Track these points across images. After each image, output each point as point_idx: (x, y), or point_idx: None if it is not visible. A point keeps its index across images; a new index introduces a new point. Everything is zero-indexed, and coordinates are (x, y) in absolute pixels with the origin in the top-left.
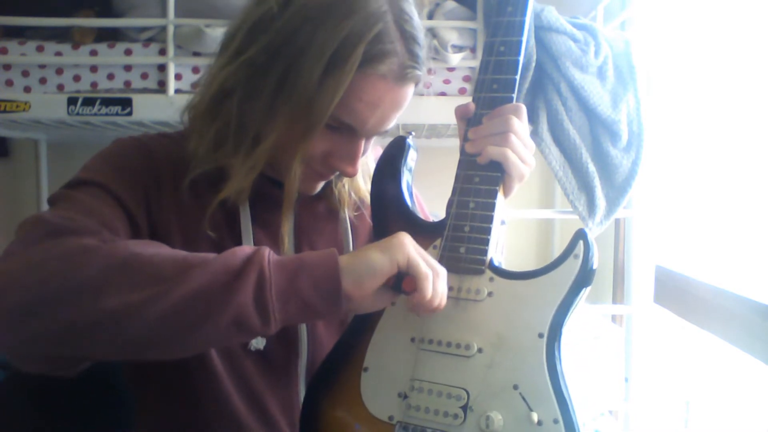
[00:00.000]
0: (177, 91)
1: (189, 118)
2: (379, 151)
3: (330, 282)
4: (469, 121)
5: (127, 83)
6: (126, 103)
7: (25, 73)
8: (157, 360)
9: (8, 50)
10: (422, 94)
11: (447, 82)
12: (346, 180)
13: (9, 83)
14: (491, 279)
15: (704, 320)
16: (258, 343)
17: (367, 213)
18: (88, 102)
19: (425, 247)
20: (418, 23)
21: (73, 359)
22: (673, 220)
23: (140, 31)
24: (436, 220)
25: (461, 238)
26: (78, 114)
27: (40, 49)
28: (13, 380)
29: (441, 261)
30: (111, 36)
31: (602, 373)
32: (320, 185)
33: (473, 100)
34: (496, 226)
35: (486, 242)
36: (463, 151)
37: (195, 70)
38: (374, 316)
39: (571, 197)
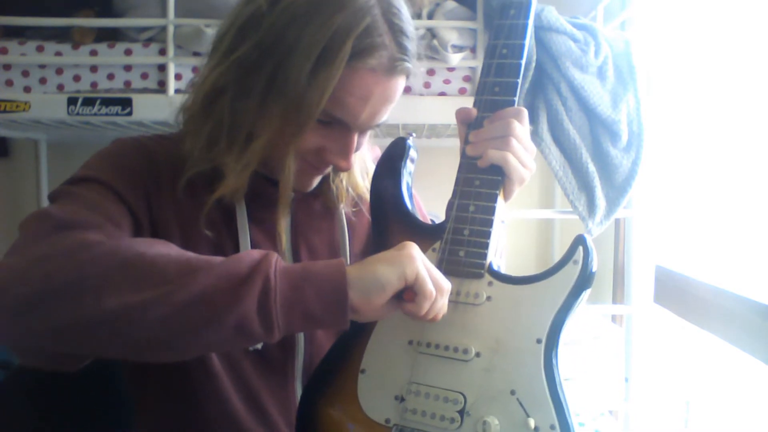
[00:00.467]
0: (177, 91)
1: (184, 120)
2: (378, 152)
3: (337, 294)
4: (470, 124)
5: (127, 83)
6: (126, 103)
7: (25, 73)
8: (157, 361)
9: (8, 50)
10: (422, 94)
11: (447, 82)
12: (343, 176)
13: (9, 83)
14: (490, 283)
15: (704, 320)
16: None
17: (365, 209)
18: (88, 102)
19: (424, 249)
20: (407, 16)
21: (73, 355)
22: (673, 220)
23: (140, 31)
24: (435, 220)
25: (461, 241)
26: (78, 114)
27: (40, 49)
28: (13, 380)
29: (440, 264)
30: (111, 36)
31: (602, 373)
32: (315, 181)
33: (474, 102)
34: (495, 230)
35: (485, 246)
36: (464, 154)
37: (195, 70)
38: None
39: (571, 197)
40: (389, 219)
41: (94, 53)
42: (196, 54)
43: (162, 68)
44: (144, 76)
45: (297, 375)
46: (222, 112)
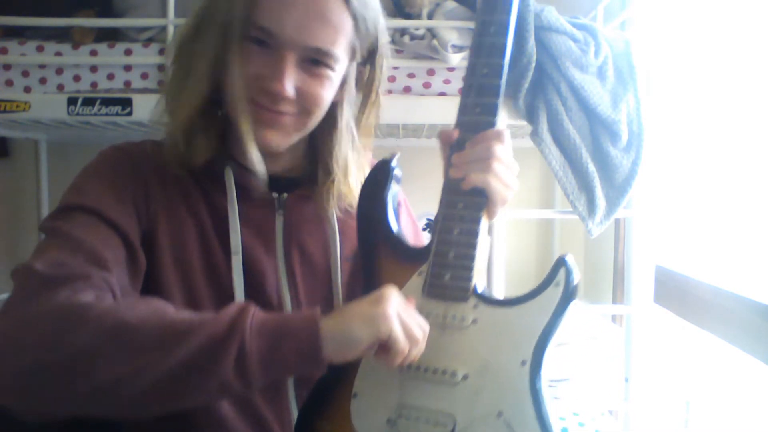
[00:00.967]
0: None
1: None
2: (372, 158)
3: (311, 350)
4: (452, 145)
5: (127, 83)
6: (126, 103)
7: (25, 73)
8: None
9: (8, 50)
10: (422, 94)
11: (447, 82)
12: (337, 179)
13: (9, 83)
14: (475, 306)
15: (704, 320)
16: None
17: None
18: (88, 102)
19: (410, 274)
20: None
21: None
22: (673, 220)
23: (140, 31)
24: (432, 219)
25: (446, 264)
26: (78, 114)
27: (40, 49)
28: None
29: (426, 287)
30: (111, 36)
31: (602, 373)
32: (275, 136)
33: (456, 123)
34: (480, 252)
35: (470, 269)
36: (447, 176)
37: None
38: None
39: (571, 197)
40: (376, 243)
41: (94, 53)
42: None
43: (162, 68)
44: (144, 76)
45: (289, 383)
46: (174, 77)
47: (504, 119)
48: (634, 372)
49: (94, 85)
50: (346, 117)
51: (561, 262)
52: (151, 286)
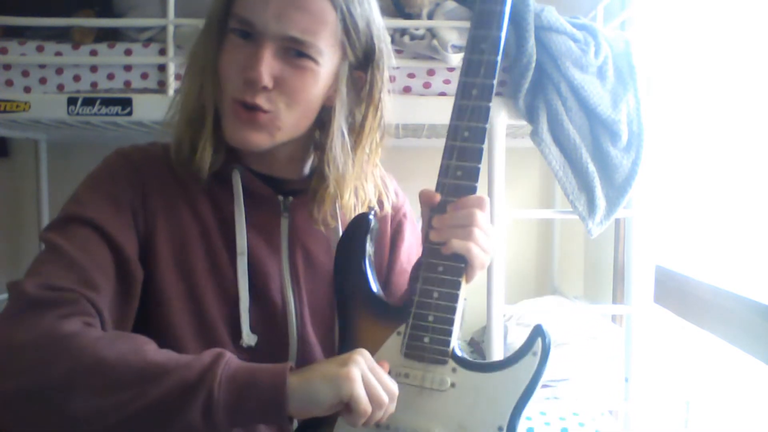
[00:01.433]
0: (177, 91)
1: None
2: (394, 183)
3: (274, 405)
4: (432, 207)
5: (127, 83)
6: (126, 103)
7: (25, 73)
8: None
9: (8, 50)
10: (422, 94)
11: (447, 82)
12: (328, 191)
13: (9, 83)
14: (454, 369)
15: (704, 320)
16: (249, 339)
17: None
18: (88, 102)
19: (390, 332)
20: None
21: None
22: (673, 220)
23: (140, 31)
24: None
25: (425, 327)
26: (78, 114)
27: (40, 49)
28: None
29: (404, 348)
30: (111, 36)
31: (602, 373)
32: (254, 135)
33: (437, 185)
34: (458, 315)
35: (450, 333)
36: (427, 239)
37: None
38: None
39: (571, 197)
40: (354, 301)
41: (94, 53)
42: None
43: (162, 68)
44: (144, 76)
45: None
46: (182, 82)
47: (504, 119)
48: (634, 372)
49: (94, 85)
50: (339, 121)
51: (538, 332)
52: (152, 290)
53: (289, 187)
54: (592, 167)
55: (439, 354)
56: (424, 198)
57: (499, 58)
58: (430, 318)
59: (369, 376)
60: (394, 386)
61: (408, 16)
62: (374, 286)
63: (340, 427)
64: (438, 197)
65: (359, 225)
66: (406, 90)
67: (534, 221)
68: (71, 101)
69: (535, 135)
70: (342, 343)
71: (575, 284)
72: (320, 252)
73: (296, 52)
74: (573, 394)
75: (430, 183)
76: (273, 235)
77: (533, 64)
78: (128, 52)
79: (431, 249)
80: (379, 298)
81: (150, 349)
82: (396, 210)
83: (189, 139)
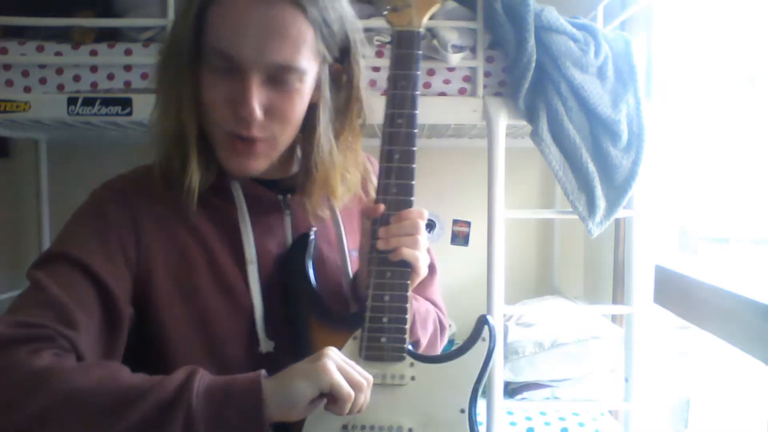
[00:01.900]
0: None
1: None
2: (370, 159)
3: (254, 412)
4: (374, 219)
5: (127, 83)
6: (126, 103)
7: (25, 73)
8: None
9: (8, 50)
10: (422, 94)
11: (447, 82)
12: (315, 188)
13: (9, 83)
14: (412, 364)
15: (704, 320)
16: (267, 346)
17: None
18: (88, 102)
19: (345, 338)
20: None
21: None
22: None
23: (140, 31)
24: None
25: (381, 329)
26: (78, 114)
27: (40, 49)
28: None
29: (363, 350)
30: (111, 36)
31: (602, 373)
32: (252, 163)
33: (377, 201)
34: (409, 316)
35: (404, 332)
36: (373, 249)
37: None
38: None
39: (571, 197)
40: (306, 313)
41: (94, 53)
42: None
43: None
44: (144, 76)
45: None
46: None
47: (504, 119)
48: (634, 372)
49: (94, 85)
50: (324, 120)
51: (483, 321)
52: (155, 320)
53: (284, 186)
54: (592, 167)
55: (397, 351)
56: (369, 211)
57: (417, 92)
58: (385, 320)
59: (342, 364)
60: (367, 374)
61: None
62: (323, 297)
63: (309, 426)
64: (382, 208)
65: (299, 244)
66: None
67: (534, 221)
68: (71, 101)
69: (535, 135)
70: (302, 356)
71: (575, 284)
72: (323, 243)
73: (280, 76)
74: (573, 394)
75: (430, 181)
76: (279, 234)
77: (533, 64)
78: (128, 52)
79: (377, 258)
80: (329, 310)
81: (124, 375)
82: None
83: (178, 159)
